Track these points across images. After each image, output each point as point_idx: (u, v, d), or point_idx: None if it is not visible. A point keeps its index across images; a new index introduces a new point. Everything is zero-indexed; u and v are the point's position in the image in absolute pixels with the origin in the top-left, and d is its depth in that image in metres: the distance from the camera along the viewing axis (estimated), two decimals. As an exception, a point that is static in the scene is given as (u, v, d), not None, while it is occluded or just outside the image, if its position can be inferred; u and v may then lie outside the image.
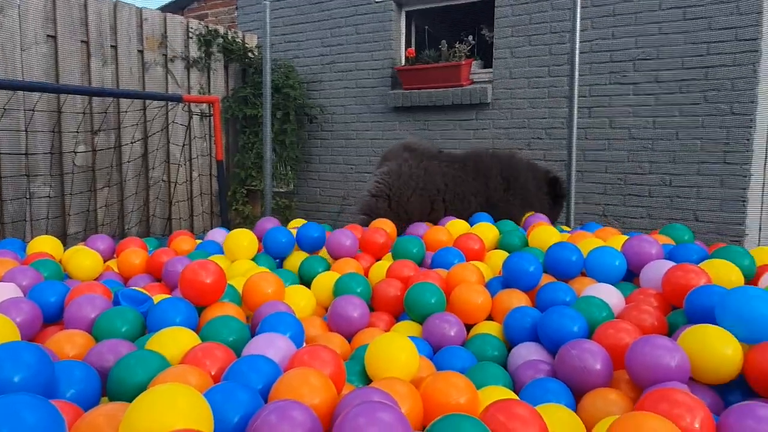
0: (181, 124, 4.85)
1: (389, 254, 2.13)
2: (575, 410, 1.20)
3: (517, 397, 1.21)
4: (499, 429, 0.94)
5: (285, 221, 5.40)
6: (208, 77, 5.24)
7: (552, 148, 4.38)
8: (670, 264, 1.60)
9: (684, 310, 1.41)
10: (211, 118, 4.79)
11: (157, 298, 1.72)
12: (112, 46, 4.41)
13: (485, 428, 0.90)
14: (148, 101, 4.56)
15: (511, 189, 2.54)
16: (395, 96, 5.03)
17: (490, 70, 4.72)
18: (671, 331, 1.44)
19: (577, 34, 3.29)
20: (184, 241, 2.32)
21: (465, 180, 2.51)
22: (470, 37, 4.84)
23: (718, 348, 1.17)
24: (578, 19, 3.31)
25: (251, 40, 5.57)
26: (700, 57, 3.82)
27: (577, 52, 3.33)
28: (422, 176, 2.46)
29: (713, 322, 1.29)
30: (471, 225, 2.35)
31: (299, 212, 5.67)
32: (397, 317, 1.76)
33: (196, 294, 1.49)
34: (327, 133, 5.54)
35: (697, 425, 0.94)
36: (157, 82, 4.77)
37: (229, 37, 5.31)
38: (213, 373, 1.15)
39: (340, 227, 5.51)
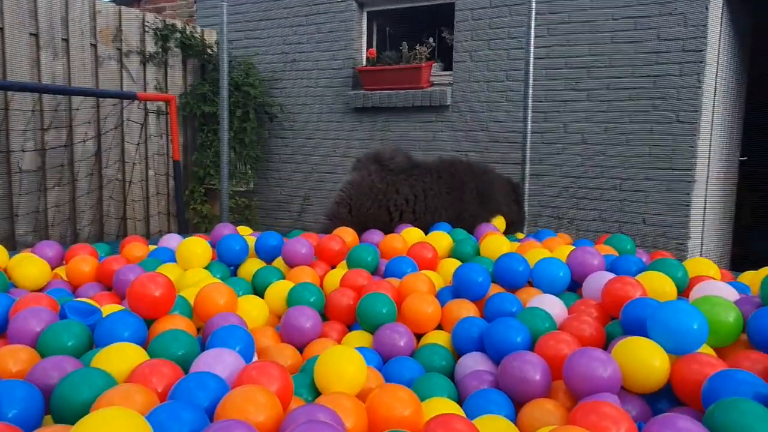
0: (137, 122, 4.74)
1: (345, 262, 2.16)
2: (515, 420, 1.25)
3: (461, 408, 1.25)
4: (438, 444, 0.98)
5: (245, 221, 5.36)
6: (165, 73, 5.13)
7: (509, 151, 4.49)
8: (611, 275, 1.68)
9: (620, 321, 1.48)
10: (168, 116, 4.70)
11: (107, 309, 1.69)
12: (63, 39, 4.28)
13: (424, 445, 0.93)
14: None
15: (485, 203, 2.58)
16: (356, 96, 5.04)
17: (450, 72, 4.79)
18: (609, 341, 1.51)
19: (532, 40, 3.38)
20: (136, 248, 2.29)
21: (438, 193, 2.53)
22: (431, 40, 4.90)
23: (647, 359, 1.24)
24: (533, 26, 3.39)
25: (210, 36, 5.48)
26: (649, 66, 3.97)
27: (532, 57, 3.41)
28: (384, 189, 2.49)
29: (646, 333, 1.37)
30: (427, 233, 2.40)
31: (259, 212, 5.63)
32: (350, 326, 1.78)
33: (145, 307, 1.48)
34: (288, 132, 5.51)
35: (621, 436, 1.00)
36: (112, 77, 4.65)
37: (187, 32, 5.21)
38: (160, 391, 1.15)
39: (300, 227, 5.50)
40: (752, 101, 4.72)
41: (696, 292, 1.58)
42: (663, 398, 1.29)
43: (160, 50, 5.03)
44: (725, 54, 4.01)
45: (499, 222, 2.62)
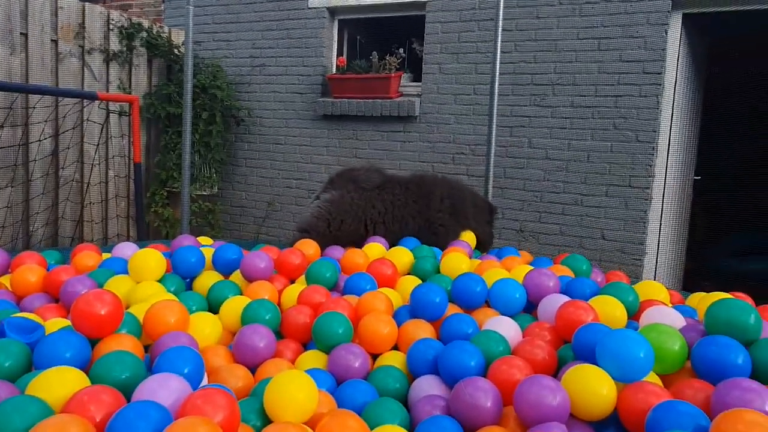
0: (97, 122, 4.61)
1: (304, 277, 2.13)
2: (465, 447, 1.25)
3: (411, 436, 1.25)
4: (383, 478, 0.97)
5: (208, 225, 5.26)
6: (130, 72, 5.00)
7: (475, 163, 4.53)
8: (565, 299, 1.71)
9: (572, 345, 1.50)
10: (130, 116, 4.58)
11: (52, 323, 1.63)
12: (22, 33, 4.13)
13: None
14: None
15: (454, 213, 2.61)
16: (324, 104, 5.02)
17: (419, 84, 4.81)
18: (561, 365, 1.53)
19: (498, 56, 3.42)
20: (87, 257, 2.21)
21: (405, 203, 2.59)
22: (401, 50, 4.92)
23: (595, 387, 1.26)
24: (499, 42, 3.44)
25: (178, 36, 5.38)
26: (611, 86, 4.07)
27: (498, 73, 3.45)
28: (363, 206, 2.56)
29: (596, 359, 1.39)
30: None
31: (223, 216, 5.53)
32: (306, 345, 1.76)
33: (89, 326, 1.43)
34: (254, 137, 5.44)
35: (565, 468, 1.01)
36: (72, 74, 4.51)
37: (154, 32, 5.10)
38: (98, 420, 1.11)
39: (265, 233, 5.41)
40: (706, 123, 4.89)
41: (645, 318, 1.62)
42: (611, 426, 1.31)
43: (124, 49, 4.90)
44: (682, 77, 4.14)
45: (469, 237, 2.65)
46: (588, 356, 1.45)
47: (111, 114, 4.70)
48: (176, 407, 1.17)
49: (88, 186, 4.58)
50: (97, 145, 4.61)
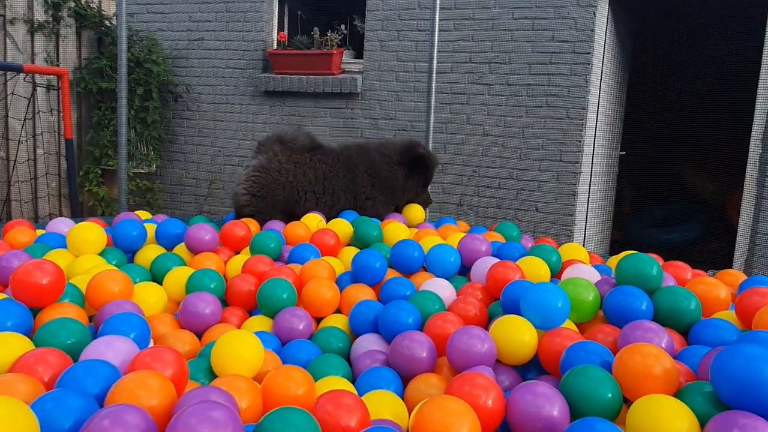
0: (23, 96, 4.38)
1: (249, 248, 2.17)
2: (403, 394, 1.36)
3: (352, 386, 1.34)
4: (326, 417, 1.06)
5: (147, 204, 5.13)
6: (57, 44, 4.76)
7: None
8: (495, 260, 1.84)
9: (501, 301, 1.63)
10: (60, 91, 4.38)
11: (-13, 298, 1.61)
12: (-68, 1, 3.85)
13: (311, 418, 1.01)
14: (-20, 68, 4.05)
15: (375, 185, 2.58)
16: (266, 80, 4.97)
17: (361, 61, 4.85)
18: (491, 320, 1.66)
19: (436, 34, 3.51)
20: (21, 233, 2.15)
21: (336, 175, 2.55)
22: (342, 27, 4.92)
23: (518, 335, 1.40)
24: (437, 20, 3.52)
25: (109, 7, 5.14)
26: (544, 65, 4.26)
27: (436, 51, 3.55)
28: (292, 170, 2.49)
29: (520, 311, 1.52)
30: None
31: (163, 195, 5.41)
32: (251, 312, 1.81)
33: (30, 296, 1.43)
34: (194, 113, 5.33)
35: (489, 403, 1.13)
36: (-8, 46, 4.26)
37: (83, 2, 4.86)
38: (46, 380, 1.13)
39: (207, 211, 5.34)
40: (631, 101, 5.21)
41: (566, 275, 1.77)
42: (533, 369, 1.45)
43: (50, 19, 4.66)
44: (609, 56, 4.38)
45: (417, 210, 2.66)
46: (515, 310, 1.58)
47: (38, 88, 4.47)
48: (124, 367, 1.21)
49: (15, 164, 4.37)
50: (24, 120, 4.39)
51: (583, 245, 4.48)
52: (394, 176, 2.59)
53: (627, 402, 1.17)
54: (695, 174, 5.86)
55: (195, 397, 1.05)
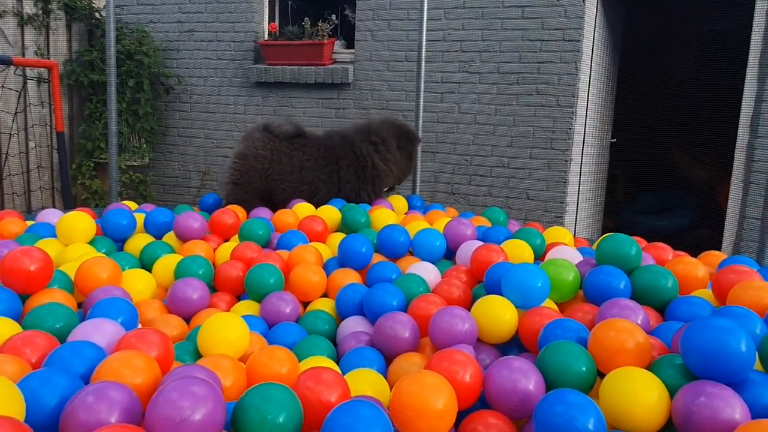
0: (14, 89, 4.37)
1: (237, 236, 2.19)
2: (386, 373, 1.39)
3: (336, 365, 1.37)
4: (307, 393, 1.09)
5: (140, 197, 5.14)
6: (47, 37, 4.75)
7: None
8: (480, 244, 1.86)
9: (484, 282, 1.66)
10: (50, 83, 4.37)
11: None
12: None
13: (292, 393, 1.03)
14: (-31, 61, 4.04)
15: (361, 178, 2.59)
16: (257, 71, 4.97)
17: (352, 51, 4.85)
18: (475, 301, 1.69)
19: (425, 23, 3.51)
20: (11, 223, 2.17)
21: (315, 165, 2.53)
22: (333, 17, 4.91)
23: (499, 314, 1.42)
24: (425, 9, 3.52)
25: (98, 0, 5.12)
26: (534, 53, 4.27)
27: (424, 40, 3.55)
28: (268, 157, 2.49)
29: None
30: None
31: (156, 187, 5.42)
32: (239, 297, 1.84)
33: (19, 282, 1.45)
34: (186, 105, 5.32)
35: (467, 378, 1.16)
36: (-18, 39, 4.24)
37: (72, -6, 4.84)
38: (33, 361, 1.16)
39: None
40: (621, 88, 5.22)
41: (549, 256, 1.80)
42: (513, 348, 1.48)
43: (40, 12, 4.64)
44: (599, 44, 4.39)
45: (399, 201, 2.70)
46: (498, 292, 1.61)
47: (29, 81, 4.46)
48: (110, 348, 1.23)
49: (6, 157, 4.37)
50: (15, 113, 4.39)
51: (574, 232, 4.51)
52: (386, 162, 2.60)
53: (602, 376, 1.20)
54: (687, 160, 5.89)
55: (178, 374, 1.08)
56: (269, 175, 2.48)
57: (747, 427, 0.91)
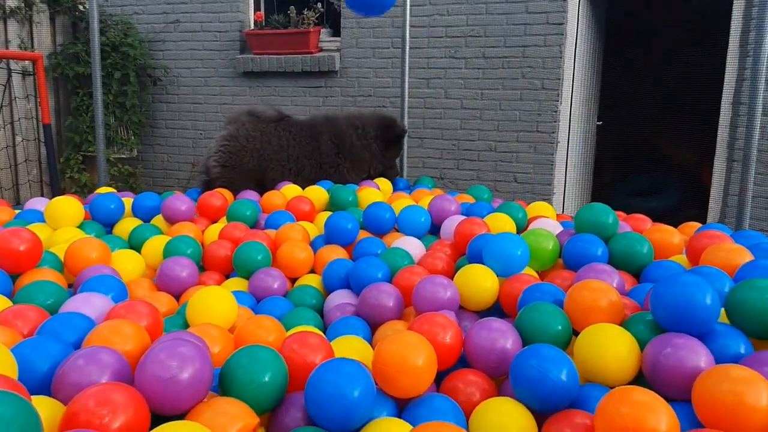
0: (-2, 83, 4.35)
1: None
2: (371, 340, 1.43)
3: (323, 334, 1.41)
4: (292, 355, 1.12)
5: (130, 189, 5.14)
6: (31, 30, 4.72)
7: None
8: (463, 218, 1.90)
9: (467, 254, 1.70)
10: (35, 76, 4.35)
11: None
12: None
13: (277, 354, 1.07)
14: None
15: (340, 153, 2.69)
16: (244, 60, 4.97)
17: (338, 38, 4.86)
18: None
19: (408, 9, 3.53)
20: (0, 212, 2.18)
21: (299, 143, 2.64)
22: (319, 5, 4.91)
23: (480, 282, 1.47)
24: (409, -5, 3.54)
25: (81, -8, 5.09)
26: (518, 37, 4.30)
27: (408, 26, 3.57)
28: (258, 137, 2.56)
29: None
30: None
31: (145, 179, 5.42)
32: (228, 275, 1.87)
33: (8, 262, 1.47)
34: (173, 97, 5.31)
35: (447, 339, 1.20)
36: (-36, 33, 4.22)
37: (54, -13, 4.81)
38: (25, 333, 1.19)
39: (190, 194, 5.33)
40: (607, 70, 5.26)
41: (531, 228, 1.84)
42: (496, 314, 1.52)
43: (22, 5, 4.61)
44: (583, 27, 4.43)
45: (384, 183, 2.74)
46: (481, 262, 1.65)
47: (13, 74, 4.44)
48: (100, 320, 1.26)
49: (-7, 151, 4.36)
50: (0, 107, 4.37)
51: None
52: (364, 147, 2.71)
53: (577, 335, 1.25)
54: (673, 141, 5.95)
55: (166, 339, 1.11)
56: (261, 155, 2.55)
57: (708, 373, 0.96)
